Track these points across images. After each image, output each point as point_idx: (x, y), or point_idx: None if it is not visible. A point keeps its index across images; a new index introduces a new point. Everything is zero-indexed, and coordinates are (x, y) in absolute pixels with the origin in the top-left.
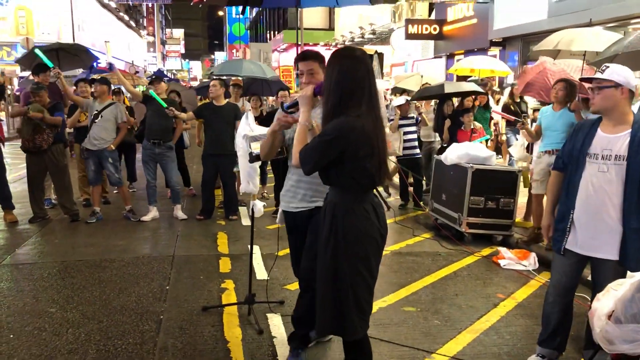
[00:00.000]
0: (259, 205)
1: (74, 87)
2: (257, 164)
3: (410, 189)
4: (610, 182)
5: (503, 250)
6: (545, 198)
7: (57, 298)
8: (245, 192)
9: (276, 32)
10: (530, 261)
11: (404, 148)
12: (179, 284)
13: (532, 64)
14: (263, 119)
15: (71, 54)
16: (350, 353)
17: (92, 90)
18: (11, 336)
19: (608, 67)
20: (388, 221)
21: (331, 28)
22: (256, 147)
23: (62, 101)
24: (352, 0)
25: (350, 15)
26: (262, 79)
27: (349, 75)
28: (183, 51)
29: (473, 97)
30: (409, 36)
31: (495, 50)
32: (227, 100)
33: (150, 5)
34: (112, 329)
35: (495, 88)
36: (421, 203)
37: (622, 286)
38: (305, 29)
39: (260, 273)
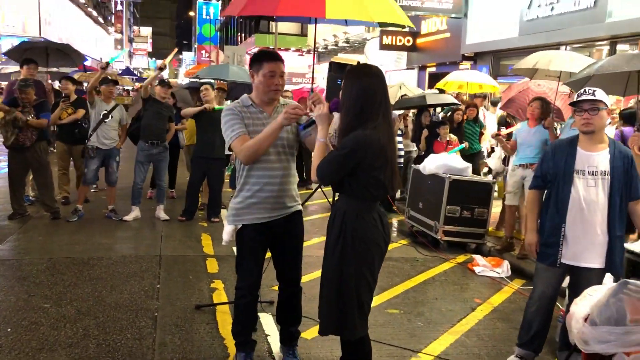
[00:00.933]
0: None
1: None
2: None
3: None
4: (598, 196)
5: (477, 257)
6: (518, 209)
7: (49, 294)
8: None
9: (247, 35)
10: (503, 268)
11: None
12: (170, 283)
13: (518, 79)
14: None
15: (62, 52)
16: (349, 352)
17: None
18: (9, 330)
19: (595, 90)
20: None
21: (303, 34)
22: None
23: (47, 99)
24: (359, 22)
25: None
26: (245, 84)
27: (367, 91)
28: (150, 50)
29: (462, 111)
30: (383, 47)
31: (466, 64)
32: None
33: (119, 1)
34: (109, 324)
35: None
36: (394, 208)
37: (597, 292)
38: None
39: None
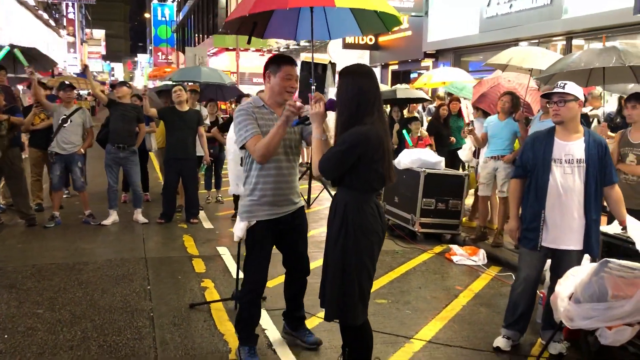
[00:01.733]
0: None
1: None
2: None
3: None
4: (574, 182)
5: (454, 247)
6: (490, 199)
7: (40, 300)
8: (235, 194)
9: (205, 36)
10: (480, 257)
11: None
12: (160, 284)
13: (489, 74)
14: (222, 125)
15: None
16: (352, 337)
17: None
18: (5, 336)
19: (566, 83)
20: None
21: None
22: None
23: (16, 104)
24: (344, 32)
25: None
26: (217, 85)
27: (362, 90)
28: (104, 52)
29: (447, 106)
30: (346, 46)
31: (428, 62)
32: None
33: (71, 4)
34: (106, 326)
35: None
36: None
37: (580, 272)
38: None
39: (235, 272)
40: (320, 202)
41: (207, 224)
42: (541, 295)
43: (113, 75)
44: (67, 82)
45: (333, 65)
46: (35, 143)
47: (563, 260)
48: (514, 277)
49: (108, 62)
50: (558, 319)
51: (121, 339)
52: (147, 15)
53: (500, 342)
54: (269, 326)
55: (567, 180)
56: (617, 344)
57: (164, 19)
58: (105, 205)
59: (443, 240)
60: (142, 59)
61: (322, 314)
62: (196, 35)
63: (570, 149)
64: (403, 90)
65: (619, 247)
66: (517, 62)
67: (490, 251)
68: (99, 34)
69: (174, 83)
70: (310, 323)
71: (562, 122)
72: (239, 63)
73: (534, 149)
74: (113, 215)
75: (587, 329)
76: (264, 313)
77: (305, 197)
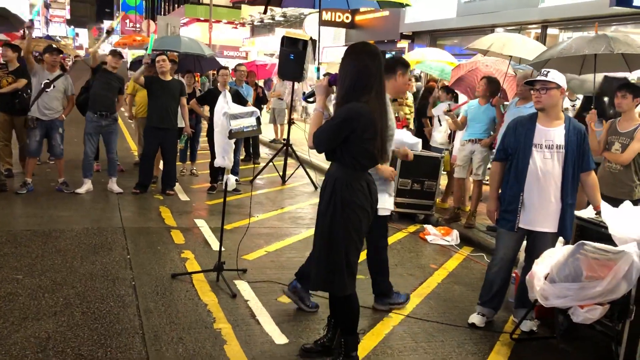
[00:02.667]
0: (232, 179)
1: None
2: (232, 140)
3: None
4: (553, 167)
5: (429, 227)
6: (466, 181)
7: (18, 266)
8: (221, 166)
9: (175, 5)
10: (453, 237)
11: None
12: (140, 254)
13: (467, 59)
14: (200, 97)
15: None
16: (338, 308)
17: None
18: None
19: (549, 71)
20: (316, 201)
21: (235, 6)
22: (236, 124)
23: None
24: (363, 3)
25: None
26: (195, 56)
27: (362, 68)
28: (68, 17)
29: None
30: (323, 23)
31: (404, 43)
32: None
33: None
34: (88, 293)
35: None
36: None
37: (556, 253)
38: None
39: (215, 245)
40: (296, 178)
41: (183, 196)
42: (514, 275)
43: (77, 41)
44: (54, 46)
45: (313, 41)
46: (2, 107)
47: (538, 242)
48: (485, 258)
49: (72, 27)
50: (533, 297)
51: (104, 307)
52: None
53: (475, 318)
54: (251, 297)
55: (546, 164)
56: (587, 322)
57: None
58: (78, 174)
59: (417, 220)
60: (108, 25)
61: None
62: (165, 4)
63: (551, 134)
64: None
65: (592, 231)
66: (498, 48)
67: (462, 232)
68: None
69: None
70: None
71: (543, 109)
72: (211, 35)
73: (516, 133)
74: (87, 184)
75: (561, 308)
76: (244, 285)
77: (281, 174)
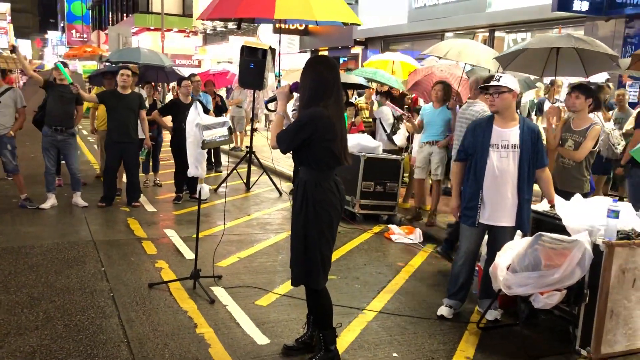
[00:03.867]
0: (205, 189)
1: None
2: (205, 150)
3: None
4: (509, 166)
5: (393, 227)
6: (425, 182)
7: None
8: (194, 176)
9: (124, 15)
10: (416, 235)
11: None
12: (114, 265)
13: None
14: (162, 108)
15: None
16: (314, 302)
17: None
18: None
19: (501, 76)
20: (284, 206)
21: (185, 14)
22: (209, 135)
23: None
24: (329, 21)
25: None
26: (157, 67)
27: (321, 77)
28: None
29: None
30: (277, 30)
31: (357, 49)
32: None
33: None
34: (68, 306)
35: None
36: None
37: (517, 245)
38: (159, 13)
39: (187, 253)
40: (259, 185)
41: (150, 207)
42: (477, 268)
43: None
44: None
45: (273, 50)
46: None
47: (498, 236)
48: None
49: (15, 38)
50: (497, 287)
51: (86, 318)
52: None
53: (443, 310)
54: (229, 302)
55: (502, 163)
56: (547, 307)
57: None
58: (38, 189)
59: (380, 221)
60: (52, 36)
61: (278, 289)
62: (113, 13)
63: (507, 135)
64: (343, 76)
65: (547, 223)
66: (454, 56)
67: (425, 230)
68: (4, 7)
69: (114, 65)
70: (267, 299)
71: (497, 112)
72: (164, 44)
73: (475, 134)
74: (51, 199)
75: (523, 295)
76: (221, 291)
77: (245, 181)
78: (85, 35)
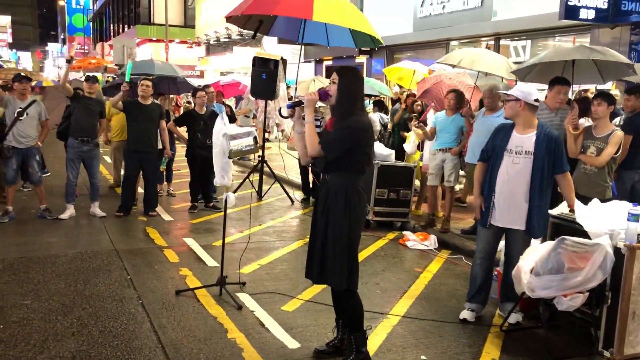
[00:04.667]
0: (231, 197)
1: None
2: (231, 160)
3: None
4: (520, 171)
5: (407, 233)
6: (439, 188)
7: (23, 292)
8: (221, 185)
9: (125, 27)
10: (431, 242)
11: None
12: (140, 274)
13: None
14: (178, 119)
15: None
16: (350, 304)
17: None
18: (1, 326)
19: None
20: (298, 213)
21: (187, 25)
22: (235, 145)
23: None
24: (341, 43)
25: (213, 13)
26: (168, 79)
27: (356, 86)
28: (10, 40)
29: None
30: (281, 40)
31: (362, 58)
32: (151, 99)
33: None
34: (100, 313)
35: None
36: None
37: (539, 249)
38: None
39: (209, 261)
40: (270, 194)
41: (166, 217)
42: (496, 272)
43: (20, 65)
44: (22, 74)
45: (284, 61)
46: None
47: (510, 238)
48: (464, 259)
49: (14, 50)
50: (520, 290)
51: (119, 325)
52: (60, 2)
53: (466, 314)
54: (256, 308)
55: (514, 168)
56: (571, 309)
57: (79, 6)
58: (54, 200)
59: (394, 228)
60: (53, 48)
61: (302, 295)
62: (114, 25)
63: (523, 141)
64: None
65: (566, 227)
66: (467, 64)
67: (439, 236)
68: (5, 20)
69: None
70: (292, 305)
71: (508, 118)
72: (168, 55)
73: (495, 138)
74: (70, 209)
75: (546, 298)
76: (247, 297)
77: (257, 190)
78: (86, 47)
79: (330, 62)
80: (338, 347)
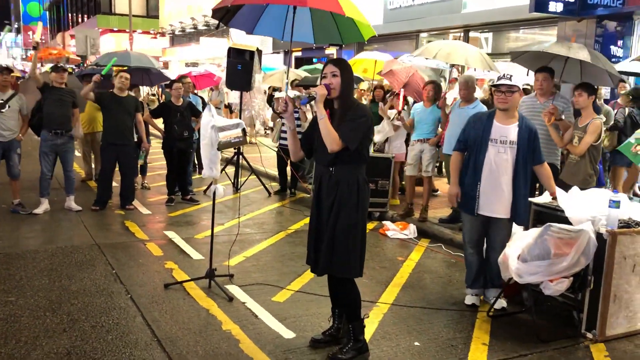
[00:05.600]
0: (220, 190)
1: None
2: (220, 152)
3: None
4: (506, 161)
5: (387, 223)
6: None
7: (6, 288)
8: (208, 177)
9: (85, 16)
10: (411, 231)
11: (282, 138)
12: (125, 268)
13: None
14: (154, 110)
15: None
16: (352, 292)
17: None
18: None
19: (512, 75)
20: (275, 205)
21: (149, 15)
22: (224, 137)
23: None
24: (328, 40)
25: (178, 3)
26: (142, 70)
27: (352, 78)
28: None
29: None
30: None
31: (332, 50)
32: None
33: None
34: (89, 308)
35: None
36: (307, 186)
37: (525, 236)
38: (123, 14)
39: (193, 254)
40: (246, 186)
41: (144, 210)
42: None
43: None
44: (4, 65)
45: (259, 51)
46: None
47: (493, 226)
48: (444, 247)
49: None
50: (507, 276)
51: (111, 319)
52: None
53: (472, 299)
54: (247, 299)
55: (500, 158)
56: (557, 294)
57: None
58: (27, 194)
59: (372, 218)
60: (6, 38)
61: (291, 286)
62: (72, 14)
63: (506, 131)
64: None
65: (547, 214)
66: (443, 57)
67: (417, 225)
68: None
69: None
70: (282, 296)
71: (507, 110)
72: (132, 45)
73: (475, 127)
74: (45, 204)
75: (533, 283)
76: (237, 289)
77: (233, 181)
78: (43, 38)
79: (299, 54)
80: (334, 336)
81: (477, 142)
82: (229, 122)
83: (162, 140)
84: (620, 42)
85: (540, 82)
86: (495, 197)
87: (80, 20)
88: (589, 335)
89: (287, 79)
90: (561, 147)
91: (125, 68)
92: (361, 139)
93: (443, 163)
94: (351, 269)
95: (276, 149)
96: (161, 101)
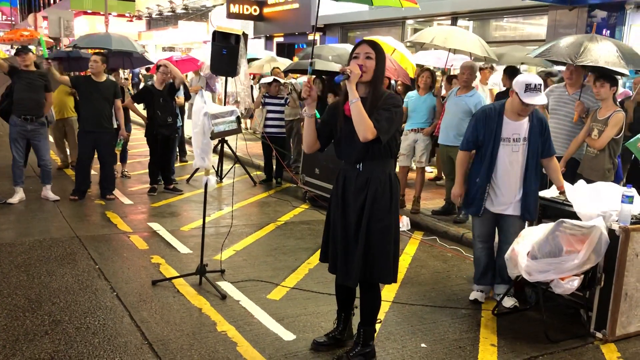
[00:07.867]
0: (212, 180)
1: None
2: (212, 141)
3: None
4: (519, 158)
5: None
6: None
7: None
8: (200, 167)
9: None
10: (404, 223)
11: (266, 126)
12: (109, 263)
13: None
14: (136, 95)
15: None
16: (373, 299)
17: None
18: None
19: (542, 84)
20: (262, 195)
21: None
22: (218, 125)
23: None
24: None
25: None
26: (123, 54)
27: (385, 65)
28: None
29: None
30: (230, 15)
31: (316, 36)
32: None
33: None
34: (73, 308)
35: None
36: (299, 177)
37: (535, 233)
38: None
39: (181, 247)
40: (229, 175)
41: (126, 200)
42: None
43: None
44: None
45: (245, 35)
46: None
47: (505, 224)
48: (438, 240)
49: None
50: (515, 274)
51: (96, 320)
52: None
53: (477, 295)
54: (241, 297)
55: (513, 156)
56: (568, 292)
57: None
58: (2, 181)
59: None
60: None
61: (286, 282)
62: None
63: (518, 128)
64: (321, 63)
65: (555, 209)
66: (440, 41)
67: (411, 217)
68: None
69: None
70: (278, 293)
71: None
72: (107, 28)
73: (486, 126)
74: (19, 193)
75: (543, 281)
76: (228, 286)
77: (217, 171)
78: (13, 18)
79: (281, 39)
80: (338, 339)
81: (489, 141)
82: (222, 109)
83: (144, 127)
84: (608, 32)
85: (570, 72)
86: (508, 195)
87: (52, 1)
88: (599, 334)
89: (312, 59)
90: (580, 141)
91: (102, 51)
92: (394, 132)
93: (436, 153)
94: (390, 274)
95: (260, 136)
96: (127, 85)
